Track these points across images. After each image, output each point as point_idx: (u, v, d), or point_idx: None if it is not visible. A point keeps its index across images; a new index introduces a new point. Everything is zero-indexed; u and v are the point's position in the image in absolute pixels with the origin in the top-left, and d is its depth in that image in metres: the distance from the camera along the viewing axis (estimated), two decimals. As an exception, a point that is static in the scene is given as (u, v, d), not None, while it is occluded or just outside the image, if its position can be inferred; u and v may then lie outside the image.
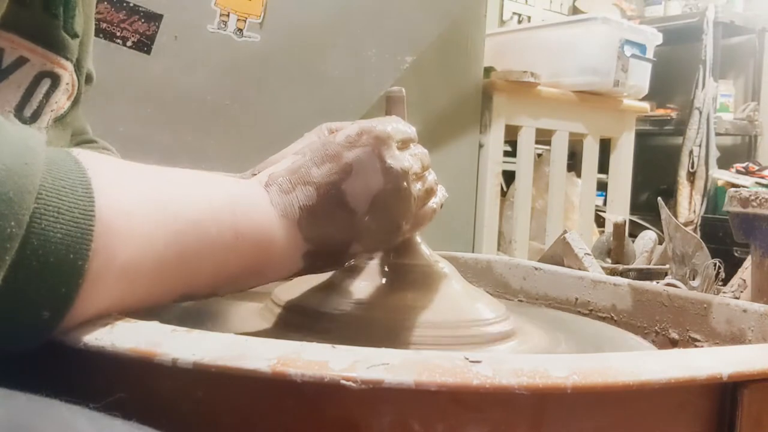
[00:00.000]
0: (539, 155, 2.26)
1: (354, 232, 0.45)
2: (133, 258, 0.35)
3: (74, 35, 0.51)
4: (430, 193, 0.51)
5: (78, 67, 0.53)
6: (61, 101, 0.52)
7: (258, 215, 0.42)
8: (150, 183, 0.39)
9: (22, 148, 0.31)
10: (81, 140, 0.65)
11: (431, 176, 0.51)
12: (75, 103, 0.54)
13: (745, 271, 0.97)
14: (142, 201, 0.36)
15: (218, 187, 0.43)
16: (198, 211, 0.39)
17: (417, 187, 0.48)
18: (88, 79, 0.59)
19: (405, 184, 0.45)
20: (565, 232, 1.14)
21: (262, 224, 0.42)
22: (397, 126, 0.47)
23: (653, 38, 2.08)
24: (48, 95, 0.49)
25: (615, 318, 0.71)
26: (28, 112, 0.49)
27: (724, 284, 1.05)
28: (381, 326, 0.49)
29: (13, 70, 0.47)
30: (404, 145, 0.47)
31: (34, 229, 0.31)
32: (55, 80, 0.50)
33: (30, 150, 0.32)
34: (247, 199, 0.43)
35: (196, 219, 0.39)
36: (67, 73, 0.51)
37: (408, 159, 0.46)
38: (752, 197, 0.76)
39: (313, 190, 0.44)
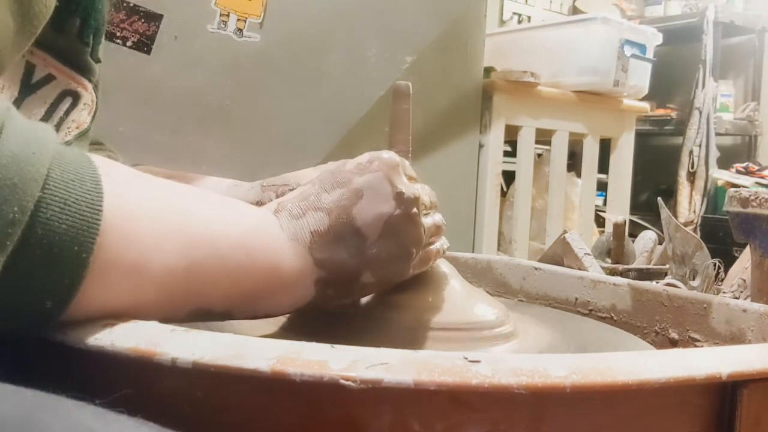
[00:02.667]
0: (539, 155, 2.26)
1: (365, 259, 0.45)
2: (141, 260, 0.35)
3: (98, 60, 0.54)
4: (437, 230, 0.51)
5: (96, 86, 0.56)
6: (83, 116, 0.53)
7: (268, 236, 0.42)
8: (160, 193, 0.39)
9: (31, 138, 0.32)
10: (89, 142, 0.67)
11: (438, 216, 0.51)
12: (94, 118, 0.56)
13: (745, 271, 0.97)
14: (151, 208, 0.37)
15: (227, 206, 0.43)
16: (207, 227, 0.39)
17: (426, 220, 0.48)
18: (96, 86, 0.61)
19: (415, 210, 0.46)
20: (565, 232, 1.14)
21: (272, 245, 0.42)
22: (403, 160, 0.48)
23: (653, 38, 2.08)
24: (68, 112, 0.51)
25: (615, 318, 0.71)
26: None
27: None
28: (381, 326, 0.49)
29: (41, 85, 0.49)
30: (410, 179, 0.48)
31: (39, 218, 0.31)
32: (76, 99, 0.52)
33: (39, 141, 0.32)
34: (257, 220, 0.43)
35: (205, 234, 0.39)
36: (87, 92, 0.53)
37: (417, 188, 0.47)
38: (752, 197, 0.76)
39: (324, 215, 0.44)
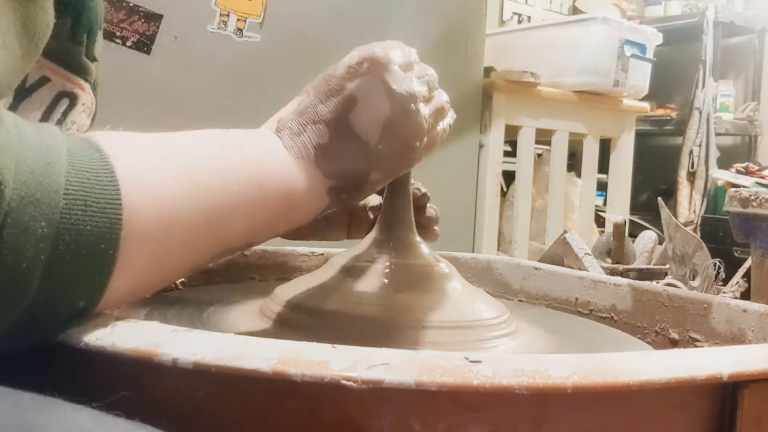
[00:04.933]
0: (539, 155, 2.26)
1: (370, 161, 0.45)
2: (165, 233, 0.36)
3: (93, 59, 0.53)
4: (440, 113, 0.50)
5: (94, 86, 0.55)
6: (82, 119, 0.53)
7: (274, 163, 0.43)
8: (167, 152, 0.39)
9: (43, 149, 0.32)
10: None
11: (441, 97, 0.50)
12: (93, 120, 0.56)
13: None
14: (164, 176, 0.37)
15: (230, 142, 0.44)
16: (217, 173, 0.40)
17: (425, 110, 0.47)
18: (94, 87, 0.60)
19: (413, 106, 0.45)
20: (565, 232, 1.14)
21: (280, 170, 0.43)
22: (396, 49, 0.47)
23: (653, 38, 2.08)
24: (66, 114, 0.51)
25: (615, 318, 0.71)
26: None
27: (724, 284, 1.05)
28: (381, 326, 0.49)
29: (36, 88, 0.49)
30: (407, 68, 0.47)
31: (65, 224, 0.32)
32: (73, 100, 0.52)
33: (51, 150, 0.33)
34: (261, 149, 0.44)
35: (217, 182, 0.39)
36: (84, 93, 0.53)
37: (414, 82, 0.46)
38: (752, 197, 0.76)
39: (323, 127, 0.44)
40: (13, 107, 0.47)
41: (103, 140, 0.36)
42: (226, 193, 0.40)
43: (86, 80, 0.53)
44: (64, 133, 0.35)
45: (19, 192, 0.30)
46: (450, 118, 0.52)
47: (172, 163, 0.39)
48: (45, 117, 0.49)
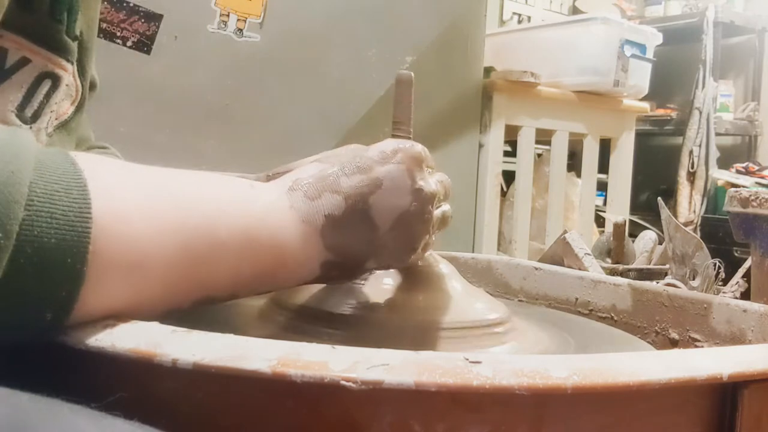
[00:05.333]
0: (539, 155, 2.26)
1: (373, 247, 0.45)
2: (140, 259, 0.35)
3: (75, 38, 0.52)
4: (444, 222, 0.51)
5: (82, 72, 0.54)
6: (63, 106, 0.52)
7: (276, 222, 0.42)
8: (155, 185, 0.38)
9: (7, 156, 0.31)
10: (90, 146, 0.66)
11: (446, 207, 0.51)
12: (79, 109, 0.55)
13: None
14: (146, 203, 0.36)
15: (229, 189, 0.42)
16: (207, 217, 0.39)
17: (437, 214, 0.48)
18: (92, 86, 0.60)
19: (430, 207, 0.46)
20: (565, 232, 1.14)
21: (280, 230, 0.42)
22: (426, 151, 0.47)
23: (653, 38, 2.08)
24: (48, 95, 0.50)
25: (615, 318, 0.71)
26: (29, 112, 0.49)
27: (724, 284, 1.05)
28: (381, 327, 0.49)
29: (15, 70, 0.47)
30: (429, 169, 0.48)
31: (26, 237, 0.31)
32: (56, 81, 0.50)
33: (16, 157, 0.31)
34: (262, 203, 0.42)
35: (204, 223, 0.38)
36: (67, 74, 0.51)
37: (435, 184, 0.47)
38: (752, 197, 0.76)
39: (341, 199, 0.43)
40: None
41: (83, 158, 0.35)
42: (214, 240, 0.38)
43: (68, 60, 0.51)
44: (37, 144, 0.34)
45: None
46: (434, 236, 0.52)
47: (157, 195, 0.37)
48: (27, 99, 0.48)
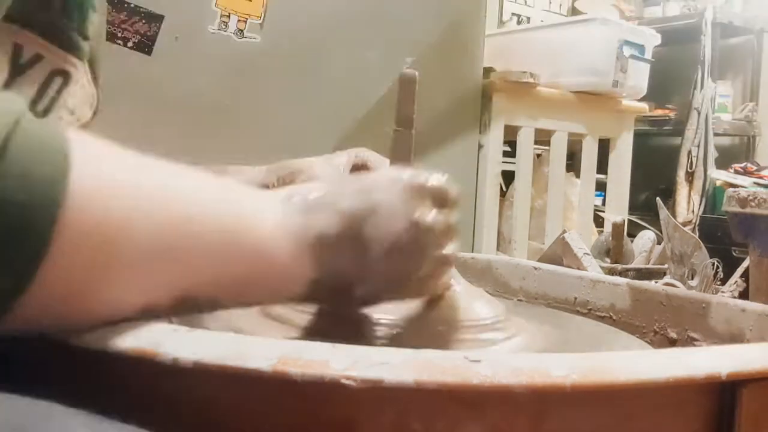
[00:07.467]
0: (538, 155, 2.26)
1: (362, 273, 0.44)
2: (110, 239, 0.33)
3: (85, 37, 0.53)
4: (444, 263, 0.48)
5: (95, 77, 0.55)
6: (84, 110, 0.53)
7: (262, 226, 0.41)
8: (139, 171, 0.37)
9: None
10: None
11: (452, 250, 0.49)
12: (95, 114, 0.56)
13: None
14: (125, 185, 0.35)
15: (221, 188, 0.41)
16: (189, 206, 0.38)
17: (435, 252, 0.46)
18: (95, 78, 0.60)
19: (425, 240, 0.45)
20: (564, 231, 1.14)
21: (264, 237, 0.41)
22: (441, 183, 0.46)
23: (652, 39, 2.08)
24: (59, 91, 0.51)
25: (614, 317, 0.71)
26: (40, 107, 0.50)
27: (723, 284, 1.05)
28: (381, 326, 0.49)
29: (30, 65, 0.49)
30: (440, 204, 0.46)
31: None
32: (66, 78, 0.51)
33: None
34: (253, 207, 0.41)
35: (185, 213, 0.37)
36: (77, 71, 0.52)
37: (438, 220, 0.45)
38: (750, 197, 0.76)
39: (335, 218, 0.42)
40: (9, 85, 0.47)
41: (76, 131, 0.34)
42: (194, 233, 0.37)
43: (78, 58, 0.52)
44: (27, 108, 0.33)
45: None
46: (449, 276, 0.51)
47: (144, 178, 0.36)
48: (39, 94, 0.49)
